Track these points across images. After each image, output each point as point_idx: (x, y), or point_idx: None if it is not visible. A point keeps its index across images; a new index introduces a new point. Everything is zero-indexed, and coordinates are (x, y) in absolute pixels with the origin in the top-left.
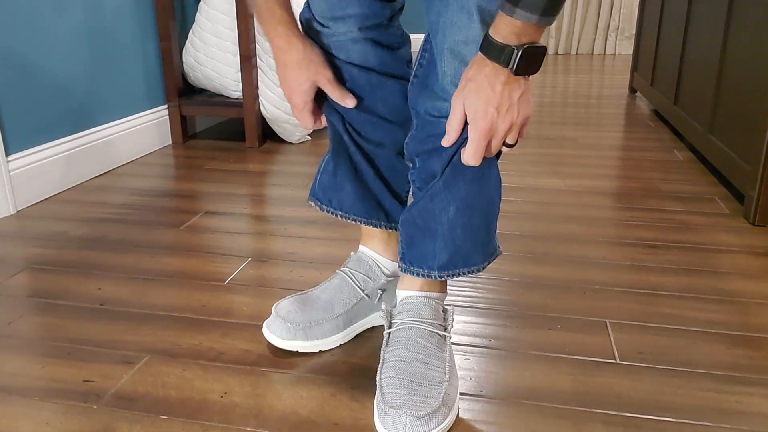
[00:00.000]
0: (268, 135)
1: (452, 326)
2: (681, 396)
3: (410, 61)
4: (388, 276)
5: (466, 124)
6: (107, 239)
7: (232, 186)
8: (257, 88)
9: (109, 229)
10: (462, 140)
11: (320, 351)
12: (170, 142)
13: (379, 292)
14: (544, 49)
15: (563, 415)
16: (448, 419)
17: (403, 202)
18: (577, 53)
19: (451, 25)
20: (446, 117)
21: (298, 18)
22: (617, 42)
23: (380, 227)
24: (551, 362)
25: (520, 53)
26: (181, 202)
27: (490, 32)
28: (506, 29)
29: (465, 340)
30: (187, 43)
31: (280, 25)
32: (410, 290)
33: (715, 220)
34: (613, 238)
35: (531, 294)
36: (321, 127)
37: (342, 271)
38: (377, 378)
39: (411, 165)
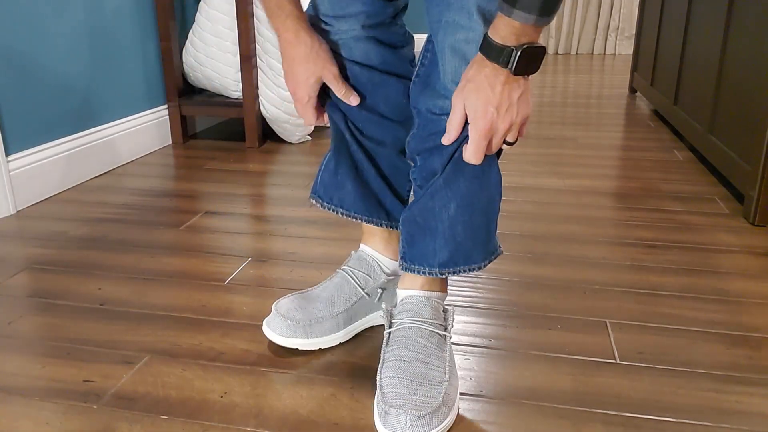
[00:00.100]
0: (268, 135)
1: (452, 326)
2: (681, 396)
3: (413, 60)
4: (388, 275)
5: (466, 122)
6: (107, 239)
7: (232, 186)
8: (257, 88)
9: (109, 229)
10: (462, 138)
11: (320, 349)
12: (170, 142)
13: (380, 291)
14: (543, 49)
15: (563, 415)
16: (448, 419)
17: (404, 202)
18: (577, 53)
19: (453, 24)
20: (447, 114)
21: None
22: (617, 42)
23: (381, 226)
24: (551, 362)
25: (519, 53)
26: (181, 202)
27: (489, 33)
28: (505, 30)
29: (465, 340)
30: (187, 43)
31: (289, 19)
32: (411, 289)
33: (715, 220)
34: (613, 238)
35: (531, 294)
36: (323, 124)
37: (342, 269)
38: (377, 377)
39: (412, 164)
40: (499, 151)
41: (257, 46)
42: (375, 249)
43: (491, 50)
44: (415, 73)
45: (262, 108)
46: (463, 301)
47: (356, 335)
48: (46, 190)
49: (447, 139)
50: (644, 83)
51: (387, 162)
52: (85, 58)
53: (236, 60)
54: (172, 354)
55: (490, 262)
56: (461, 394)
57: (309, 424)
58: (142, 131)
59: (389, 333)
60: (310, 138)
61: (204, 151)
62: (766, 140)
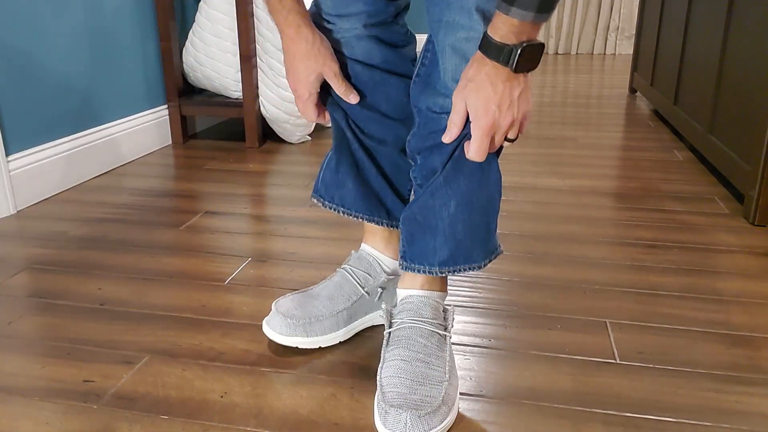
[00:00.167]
0: (268, 135)
1: (452, 326)
2: (681, 396)
3: (414, 59)
4: (388, 274)
5: (467, 120)
6: (107, 239)
7: (232, 186)
8: (257, 88)
9: (109, 229)
10: (463, 136)
11: (320, 349)
12: (170, 142)
13: (379, 290)
14: (542, 46)
15: (563, 415)
16: (448, 419)
17: (404, 201)
18: (577, 53)
19: (453, 23)
20: (447, 113)
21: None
22: (617, 42)
23: (381, 225)
24: (551, 362)
25: (519, 51)
26: (181, 202)
27: (489, 31)
28: (504, 28)
29: (465, 340)
30: (187, 43)
31: (290, 14)
32: (411, 289)
33: (715, 220)
34: (613, 238)
35: (531, 294)
36: (324, 122)
37: (343, 268)
38: (378, 377)
39: (413, 163)
40: (499, 150)
41: (257, 46)
42: (375, 248)
43: (491, 49)
44: (416, 72)
45: (262, 108)
46: (463, 301)
47: (356, 335)
48: (46, 190)
49: (448, 138)
50: (644, 83)
51: (388, 161)
52: (85, 58)
53: (236, 60)
54: (172, 354)
55: (490, 261)
56: (461, 394)
57: (309, 424)
58: (142, 131)
59: (389, 333)
60: (310, 138)
61: (204, 151)
62: (766, 140)
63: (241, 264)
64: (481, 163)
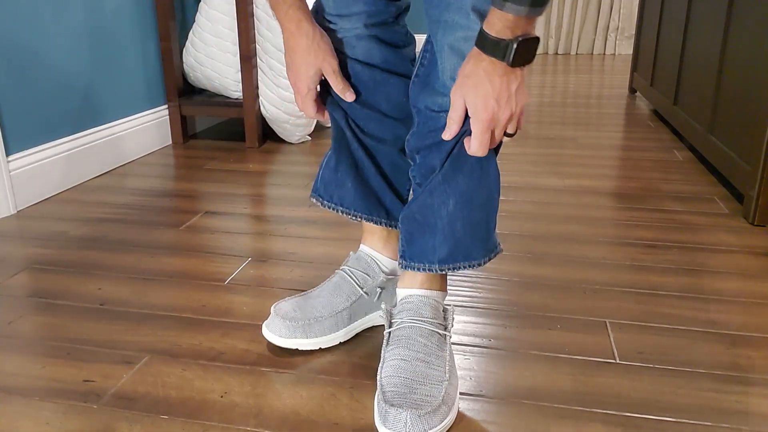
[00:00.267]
0: (268, 135)
1: (452, 325)
2: (681, 396)
3: (414, 60)
4: (387, 274)
5: (466, 117)
6: (107, 239)
7: (232, 186)
8: (257, 88)
9: (109, 229)
10: (461, 134)
11: (320, 349)
12: (170, 142)
13: (378, 290)
14: (537, 39)
15: (563, 415)
16: (448, 418)
17: (403, 201)
18: (577, 53)
19: (452, 23)
20: (446, 111)
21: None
22: (617, 42)
23: (380, 224)
24: (551, 362)
25: (515, 46)
26: (181, 202)
27: (484, 27)
28: (499, 24)
29: (465, 340)
30: (188, 43)
31: (291, 9)
32: (410, 288)
33: (714, 220)
34: (613, 238)
35: (531, 294)
36: (323, 121)
37: (341, 270)
38: (378, 377)
39: (412, 162)
40: (498, 147)
41: (257, 46)
42: (374, 248)
43: (487, 44)
44: (415, 73)
45: (262, 108)
46: (463, 301)
47: (356, 335)
48: (46, 190)
49: (448, 135)
50: (644, 83)
51: (387, 160)
52: (85, 58)
53: (236, 60)
54: (172, 354)
55: (489, 259)
56: (461, 393)
57: (309, 424)
58: (143, 131)
59: (389, 332)
60: (310, 138)
61: (204, 151)
62: (765, 140)
63: (241, 264)
64: (479, 161)
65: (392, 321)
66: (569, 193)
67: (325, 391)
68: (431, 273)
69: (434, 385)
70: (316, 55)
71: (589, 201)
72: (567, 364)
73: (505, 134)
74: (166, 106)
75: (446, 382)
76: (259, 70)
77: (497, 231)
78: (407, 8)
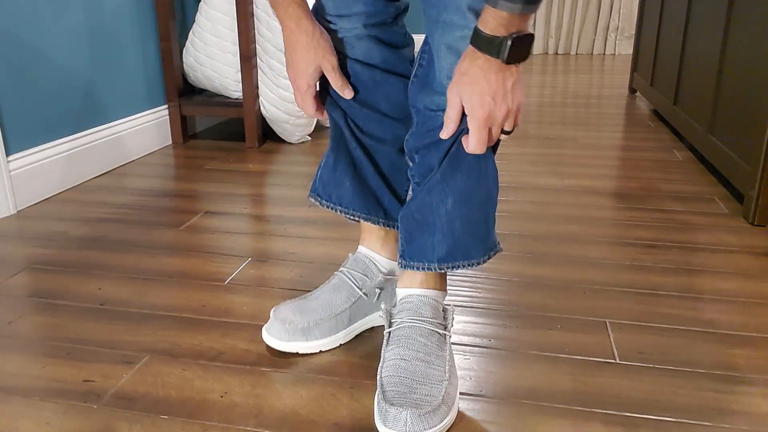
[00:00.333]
0: (268, 135)
1: (452, 325)
2: (681, 396)
3: (413, 60)
4: (385, 274)
5: (463, 115)
6: (107, 239)
7: (232, 186)
8: (257, 88)
9: (109, 229)
10: (458, 133)
11: (320, 351)
12: (170, 142)
13: (377, 290)
14: (532, 36)
15: (563, 415)
16: (448, 418)
17: (402, 201)
18: (577, 53)
19: (450, 23)
20: (443, 110)
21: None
22: (617, 42)
23: (378, 224)
24: (551, 362)
25: (509, 43)
26: (181, 202)
27: (479, 25)
28: (493, 21)
29: (465, 340)
30: (188, 43)
31: (291, 7)
32: (410, 288)
33: (714, 220)
34: (613, 238)
35: (531, 294)
36: (323, 118)
37: (340, 272)
38: (378, 376)
39: (411, 162)
40: (496, 146)
41: (257, 46)
42: (371, 249)
43: (482, 42)
44: (413, 73)
45: (262, 108)
46: (463, 301)
47: (356, 335)
48: (46, 190)
49: (446, 133)
50: (644, 83)
51: (386, 160)
52: (85, 58)
53: (236, 60)
54: (172, 354)
55: (489, 258)
56: (461, 393)
57: (309, 424)
58: (143, 131)
59: (389, 332)
60: (309, 138)
61: (204, 151)
62: (765, 140)
63: (241, 264)
64: (477, 159)
65: (392, 321)
66: (569, 193)
67: (325, 391)
68: (431, 272)
69: (434, 384)
70: (315, 53)
71: (589, 201)
72: (567, 364)
73: (503, 132)
74: (166, 106)
75: (446, 382)
76: (259, 70)
77: (497, 231)
78: (406, 9)
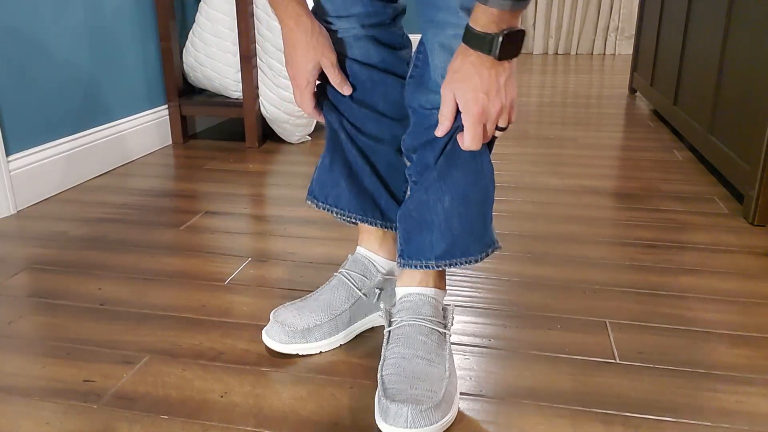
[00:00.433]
0: (268, 135)
1: (452, 324)
2: (681, 396)
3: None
4: (384, 274)
5: (458, 112)
6: (107, 239)
7: (232, 186)
8: (257, 88)
9: (109, 229)
10: (453, 131)
11: (320, 352)
12: (170, 142)
13: (377, 291)
14: (523, 32)
15: (563, 415)
16: (449, 415)
17: (399, 202)
18: (577, 53)
19: (443, 22)
20: (438, 108)
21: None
22: (617, 42)
23: (375, 225)
24: (551, 362)
25: (500, 39)
26: (181, 202)
27: (470, 23)
28: (484, 18)
29: (465, 339)
30: (188, 43)
31: (290, 5)
32: (409, 286)
33: (714, 220)
34: (613, 238)
35: (531, 294)
36: (322, 119)
37: (339, 273)
38: (378, 375)
39: (408, 162)
40: (491, 143)
41: (257, 46)
42: (370, 249)
43: (473, 39)
44: (409, 74)
45: (262, 108)
46: (463, 301)
47: (356, 336)
48: (46, 190)
49: (441, 131)
50: (644, 83)
51: (384, 160)
52: (85, 58)
53: (236, 60)
54: (172, 354)
55: (487, 255)
56: (461, 393)
57: (309, 424)
58: (143, 131)
59: (389, 331)
60: (309, 138)
61: (204, 151)
62: (765, 140)
63: (241, 264)
64: (473, 156)
65: (392, 320)
66: (569, 193)
67: (325, 391)
68: (430, 270)
69: (435, 382)
70: (314, 49)
71: (589, 201)
72: (567, 364)
73: (497, 128)
74: (166, 106)
75: (447, 380)
76: (259, 70)
77: (497, 230)
78: (404, 11)
